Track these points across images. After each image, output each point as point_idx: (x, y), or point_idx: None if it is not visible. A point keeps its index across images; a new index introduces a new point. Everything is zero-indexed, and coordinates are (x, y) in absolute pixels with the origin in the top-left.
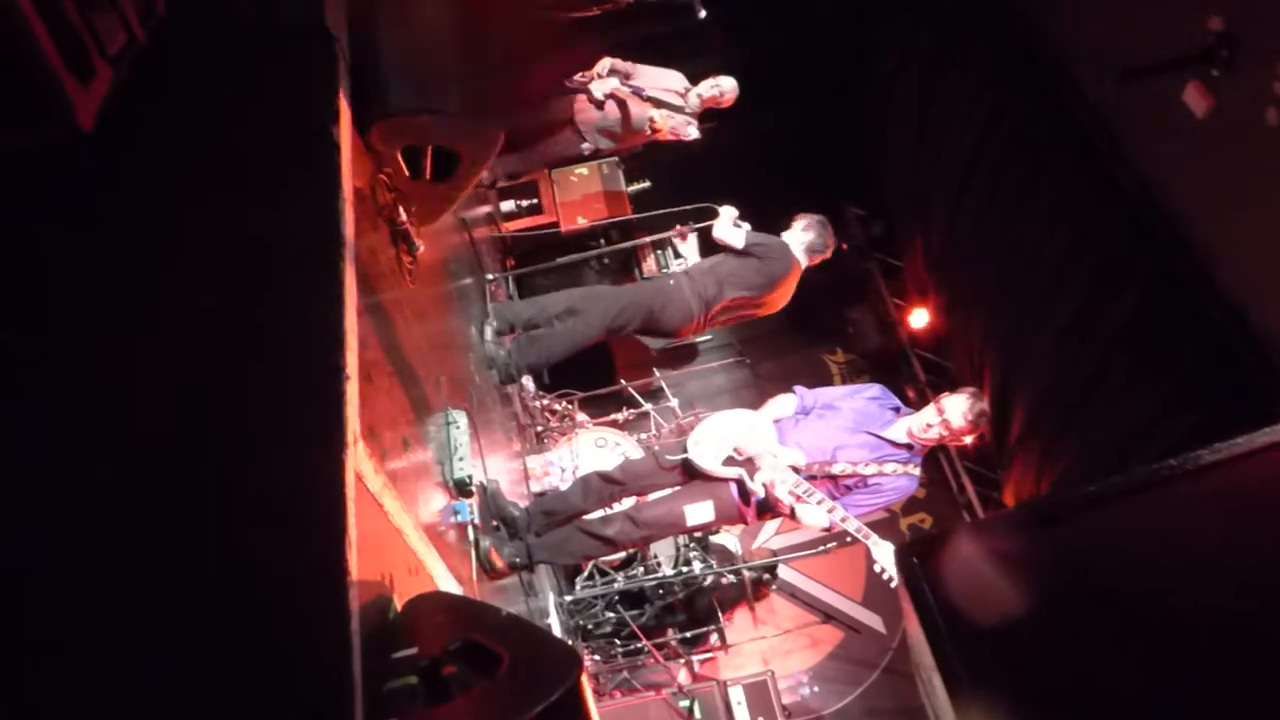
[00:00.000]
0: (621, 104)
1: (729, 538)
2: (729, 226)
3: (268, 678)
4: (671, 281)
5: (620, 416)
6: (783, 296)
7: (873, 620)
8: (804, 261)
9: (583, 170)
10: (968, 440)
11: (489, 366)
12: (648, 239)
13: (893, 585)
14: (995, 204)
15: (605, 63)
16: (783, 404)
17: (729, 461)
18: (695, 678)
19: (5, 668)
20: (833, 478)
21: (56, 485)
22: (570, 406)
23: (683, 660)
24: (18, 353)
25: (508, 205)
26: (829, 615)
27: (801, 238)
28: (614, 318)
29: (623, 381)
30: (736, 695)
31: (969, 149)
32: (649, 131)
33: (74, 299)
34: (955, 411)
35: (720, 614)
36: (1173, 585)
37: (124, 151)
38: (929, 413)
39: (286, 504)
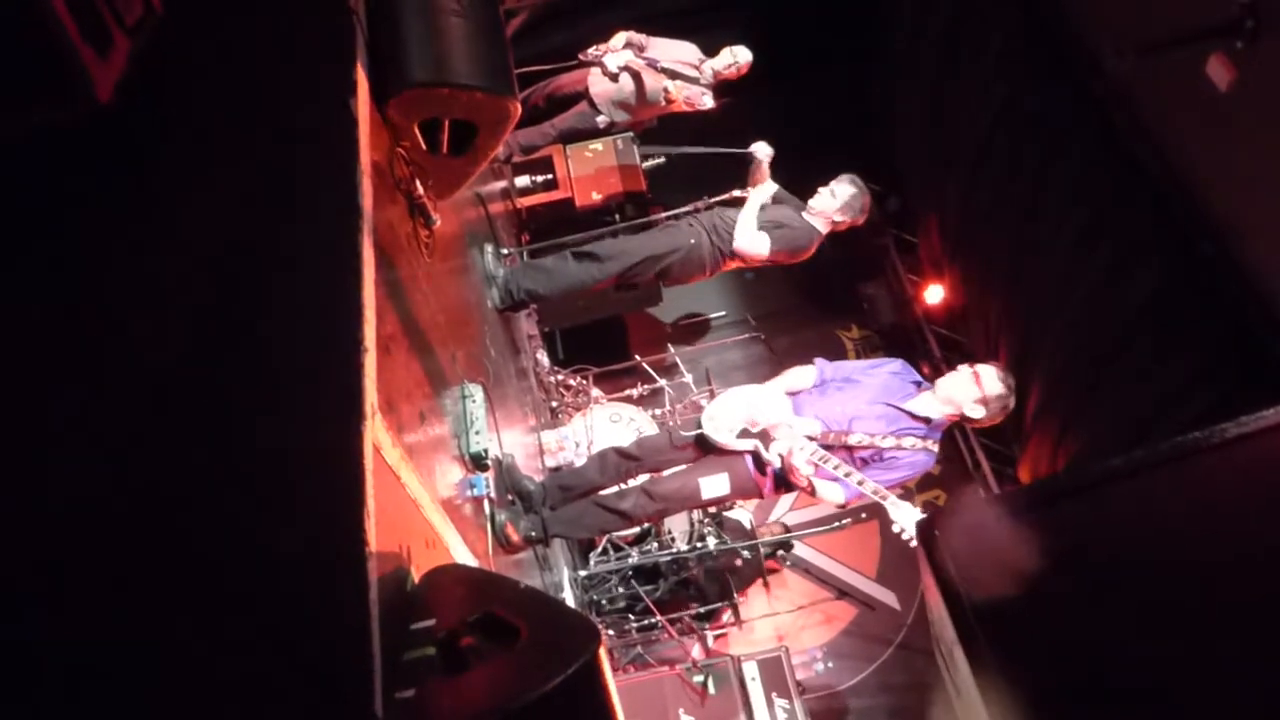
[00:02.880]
0: (636, 76)
1: (743, 514)
2: (752, 237)
3: (287, 648)
4: (693, 241)
5: (635, 392)
6: (798, 260)
7: (887, 597)
8: (826, 230)
9: (597, 145)
10: (981, 415)
11: (488, 286)
12: (664, 214)
13: (912, 545)
14: (1012, 179)
15: (620, 36)
16: (801, 375)
17: (743, 434)
18: (709, 653)
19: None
20: (849, 448)
21: (71, 455)
22: (585, 382)
23: (696, 636)
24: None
25: (522, 180)
26: (843, 591)
27: (831, 210)
28: (630, 268)
29: (637, 357)
30: (751, 670)
31: (986, 123)
32: (664, 103)
33: (84, 277)
34: (990, 378)
35: (734, 590)
36: (1199, 557)
37: (139, 126)
38: (963, 378)
39: (306, 475)
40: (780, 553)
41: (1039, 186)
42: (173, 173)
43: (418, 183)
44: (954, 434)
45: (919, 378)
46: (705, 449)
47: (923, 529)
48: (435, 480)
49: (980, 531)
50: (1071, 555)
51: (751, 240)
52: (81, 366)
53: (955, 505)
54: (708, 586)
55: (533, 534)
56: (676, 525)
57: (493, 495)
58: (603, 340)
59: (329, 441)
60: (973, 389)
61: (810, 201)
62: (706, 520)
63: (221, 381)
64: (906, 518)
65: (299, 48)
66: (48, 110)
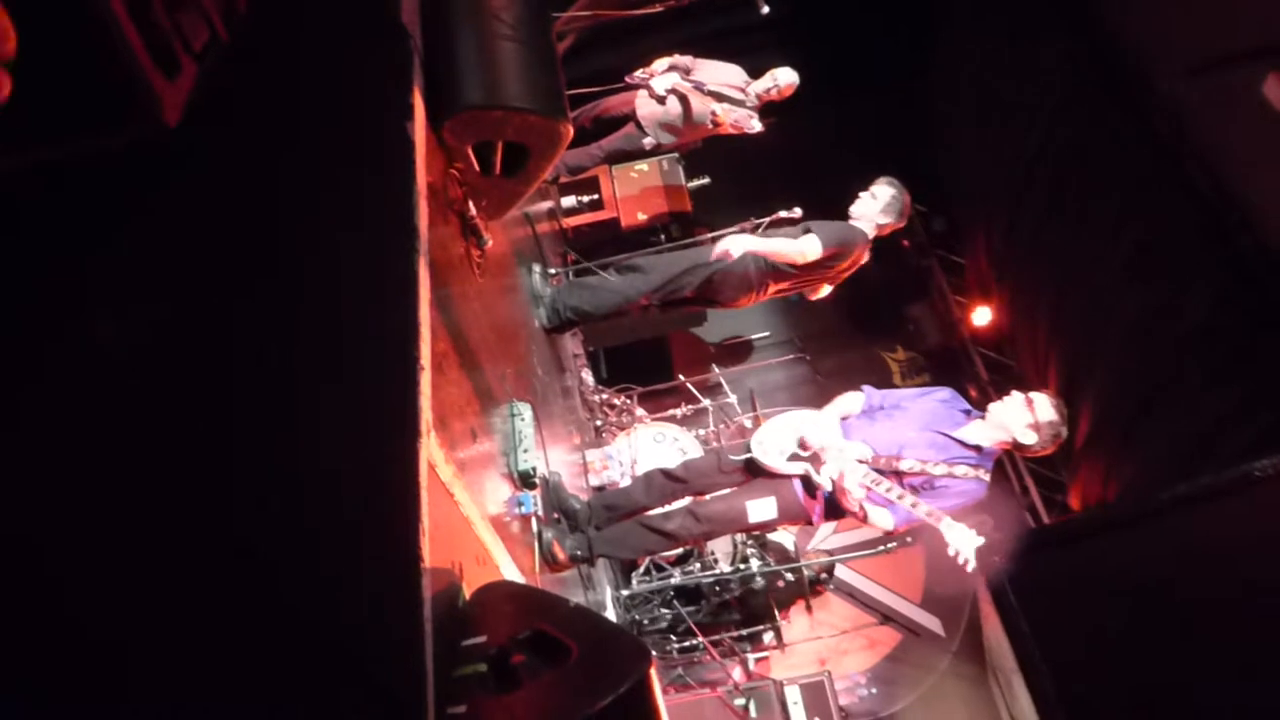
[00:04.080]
0: (682, 99)
1: (786, 536)
2: (798, 242)
3: (343, 662)
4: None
5: (679, 412)
6: (848, 271)
7: (931, 622)
8: (873, 234)
9: (643, 166)
10: (1033, 441)
11: (535, 305)
12: (708, 235)
13: (968, 569)
14: (1061, 200)
15: (666, 59)
16: (850, 401)
17: (793, 458)
18: (750, 676)
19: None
20: (899, 475)
21: (117, 461)
22: (629, 401)
23: (738, 658)
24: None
25: (569, 200)
26: (887, 616)
27: (874, 214)
28: (673, 278)
29: (681, 377)
30: (793, 695)
31: (1034, 143)
32: (711, 125)
33: (148, 291)
34: (1044, 405)
35: (776, 612)
36: (1270, 583)
37: (203, 147)
38: (1015, 403)
39: (362, 491)
40: (823, 576)
41: (1088, 207)
42: (233, 190)
43: (470, 203)
44: (1002, 461)
45: (968, 406)
46: (753, 473)
47: (984, 558)
48: (485, 497)
49: (1041, 560)
50: (1138, 583)
51: (799, 244)
52: (125, 373)
53: (1015, 534)
54: (750, 608)
55: (578, 553)
56: (719, 546)
57: (540, 513)
58: (646, 360)
59: (386, 457)
60: (1025, 414)
61: (851, 209)
62: (750, 542)
63: (275, 396)
64: (963, 541)
65: (358, 71)
66: (119, 133)
